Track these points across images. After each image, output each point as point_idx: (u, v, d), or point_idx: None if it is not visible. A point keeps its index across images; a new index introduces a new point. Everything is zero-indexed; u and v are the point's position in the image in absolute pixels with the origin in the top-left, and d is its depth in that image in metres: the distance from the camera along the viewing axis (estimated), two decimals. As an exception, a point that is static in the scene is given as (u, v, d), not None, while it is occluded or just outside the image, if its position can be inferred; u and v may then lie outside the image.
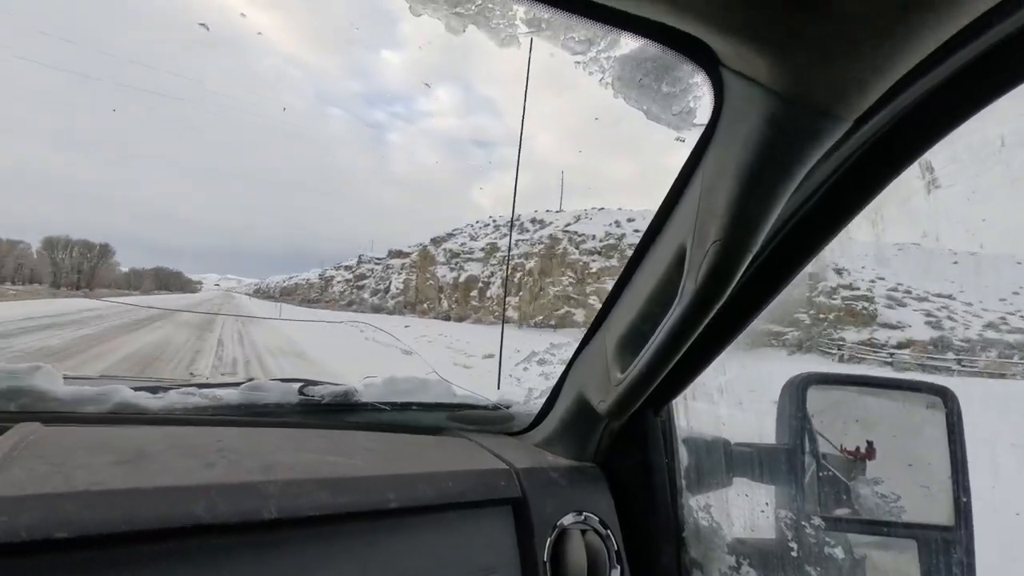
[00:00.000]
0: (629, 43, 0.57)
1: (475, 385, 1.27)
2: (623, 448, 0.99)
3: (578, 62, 0.58)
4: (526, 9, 0.53)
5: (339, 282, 77.59)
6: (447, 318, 45.78)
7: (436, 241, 56.90)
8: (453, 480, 0.85)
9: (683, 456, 1.00)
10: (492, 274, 45.77)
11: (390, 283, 61.07)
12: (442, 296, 49.86)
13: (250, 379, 1.14)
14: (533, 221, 49.59)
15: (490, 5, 0.52)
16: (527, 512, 0.88)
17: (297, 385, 1.13)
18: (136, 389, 1.04)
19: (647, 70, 0.59)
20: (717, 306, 0.63)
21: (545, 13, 0.53)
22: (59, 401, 0.96)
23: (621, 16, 0.51)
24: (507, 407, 1.17)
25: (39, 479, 0.64)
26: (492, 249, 48.66)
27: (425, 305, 51.44)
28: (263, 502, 0.69)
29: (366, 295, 64.24)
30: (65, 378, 1.02)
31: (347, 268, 78.88)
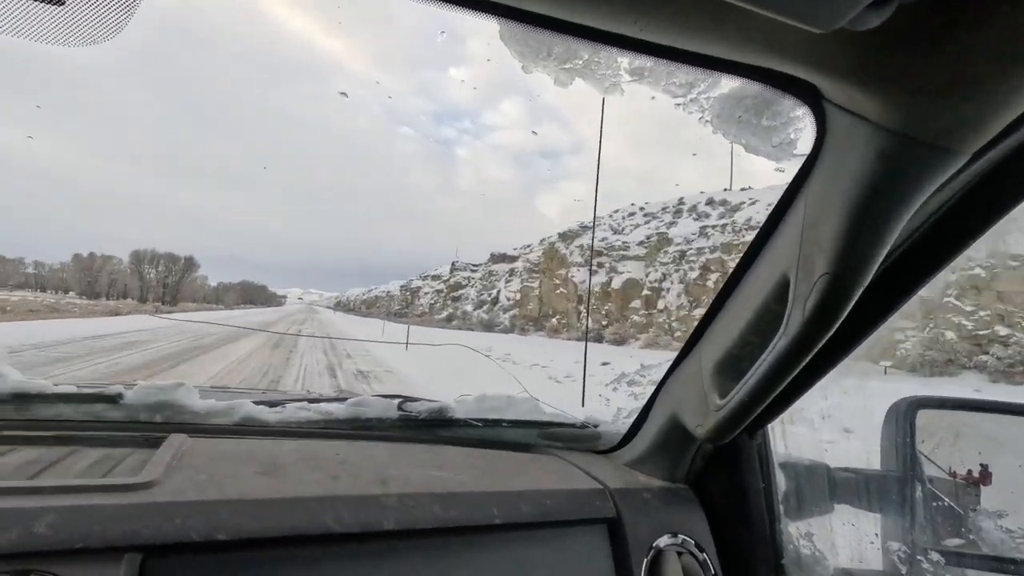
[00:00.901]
0: (729, 82, 0.59)
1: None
2: (716, 470, 0.98)
3: (678, 104, 0.61)
4: (630, 59, 0.56)
5: (427, 293, 67.94)
6: (598, 339, 30.34)
7: (566, 237, 41.38)
8: (551, 498, 0.88)
9: (780, 480, 0.97)
10: (664, 276, 31.54)
11: (498, 292, 48.78)
12: (581, 307, 35.84)
13: (354, 395, 1.24)
14: (711, 203, 34.44)
15: (596, 59, 0.56)
16: (622, 532, 0.90)
17: (396, 401, 1.21)
18: (256, 403, 1.16)
19: (747, 106, 0.60)
20: (825, 338, 0.63)
21: (648, 62, 0.56)
22: (194, 414, 1.09)
23: (725, 62, 0.53)
24: (595, 425, 1.19)
25: (198, 487, 0.74)
26: (661, 242, 33.34)
27: (555, 320, 38.05)
28: (383, 514, 0.76)
29: (468, 307, 52.25)
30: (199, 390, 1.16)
31: (435, 278, 68.88)
